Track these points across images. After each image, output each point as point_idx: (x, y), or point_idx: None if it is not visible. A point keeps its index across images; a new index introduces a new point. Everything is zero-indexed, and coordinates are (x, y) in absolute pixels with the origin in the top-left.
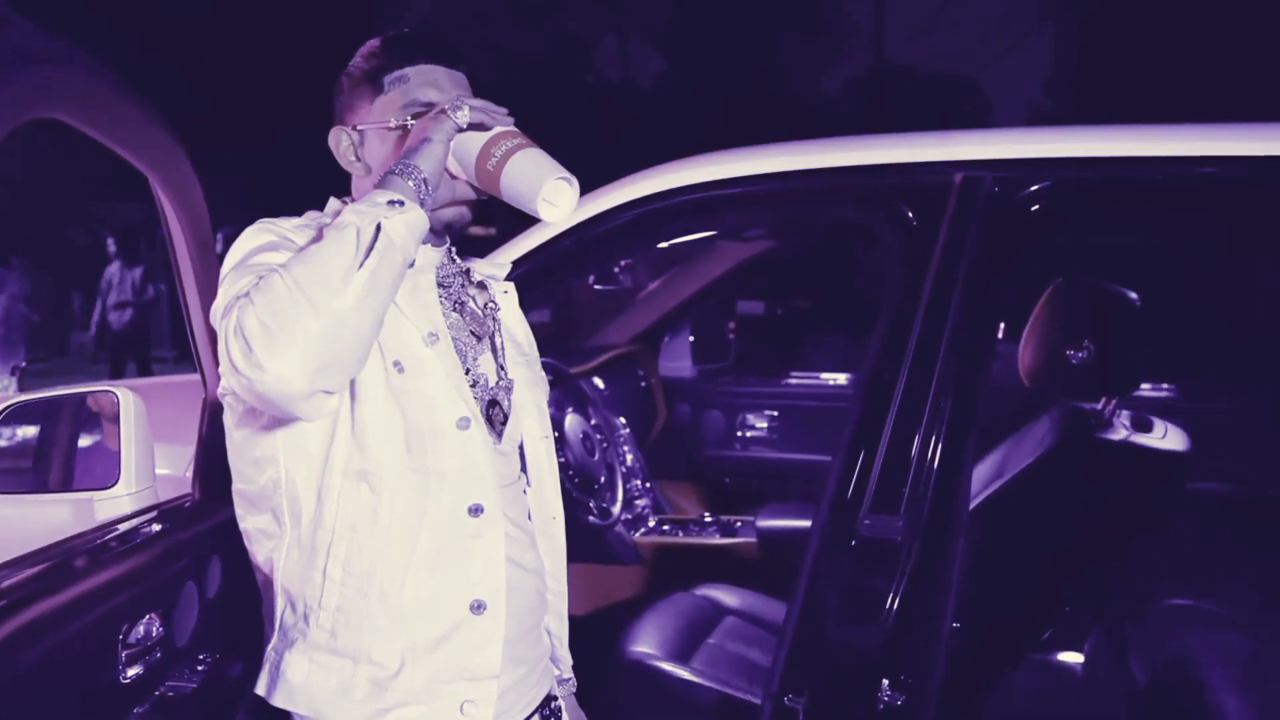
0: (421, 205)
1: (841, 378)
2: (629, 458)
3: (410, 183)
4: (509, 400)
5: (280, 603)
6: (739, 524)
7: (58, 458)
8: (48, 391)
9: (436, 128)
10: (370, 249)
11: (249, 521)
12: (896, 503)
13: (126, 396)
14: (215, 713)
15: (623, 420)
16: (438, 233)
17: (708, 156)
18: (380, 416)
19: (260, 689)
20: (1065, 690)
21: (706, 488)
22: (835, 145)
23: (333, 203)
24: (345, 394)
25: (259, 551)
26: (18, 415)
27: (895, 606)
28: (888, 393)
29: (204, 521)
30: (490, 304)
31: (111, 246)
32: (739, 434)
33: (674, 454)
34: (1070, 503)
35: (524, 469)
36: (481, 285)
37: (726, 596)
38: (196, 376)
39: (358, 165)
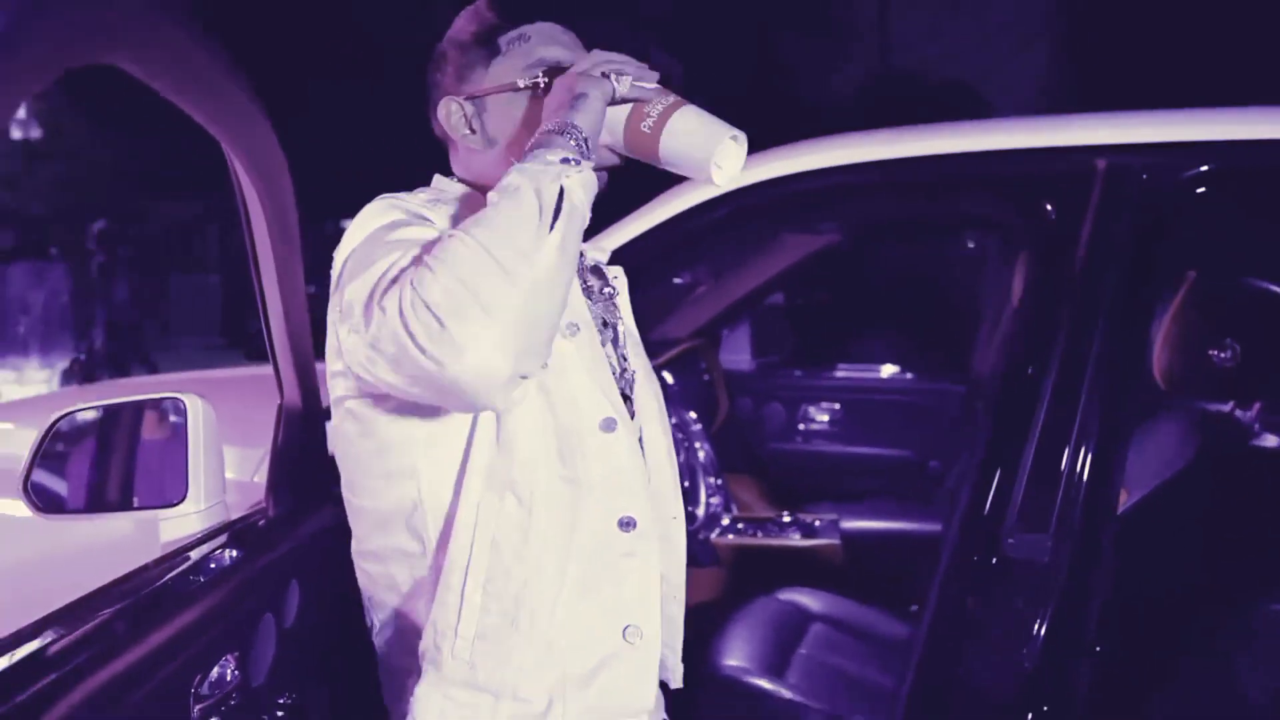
0: None
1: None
2: (701, 454)
3: (573, 141)
4: (634, 394)
5: (411, 632)
6: (818, 523)
7: (118, 471)
8: (105, 399)
9: (592, 85)
10: (557, 211)
11: (375, 542)
12: (1046, 521)
13: (195, 404)
14: None
15: (694, 415)
16: None
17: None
18: (530, 418)
19: None
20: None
21: (769, 482)
22: (951, 130)
23: (440, 180)
24: None
25: (389, 574)
26: (73, 426)
27: (1042, 634)
28: (1031, 400)
29: (281, 543)
30: (608, 289)
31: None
32: (800, 427)
33: (736, 448)
34: (1220, 518)
35: None
36: (596, 270)
37: (811, 601)
38: (251, 370)
39: (473, 137)
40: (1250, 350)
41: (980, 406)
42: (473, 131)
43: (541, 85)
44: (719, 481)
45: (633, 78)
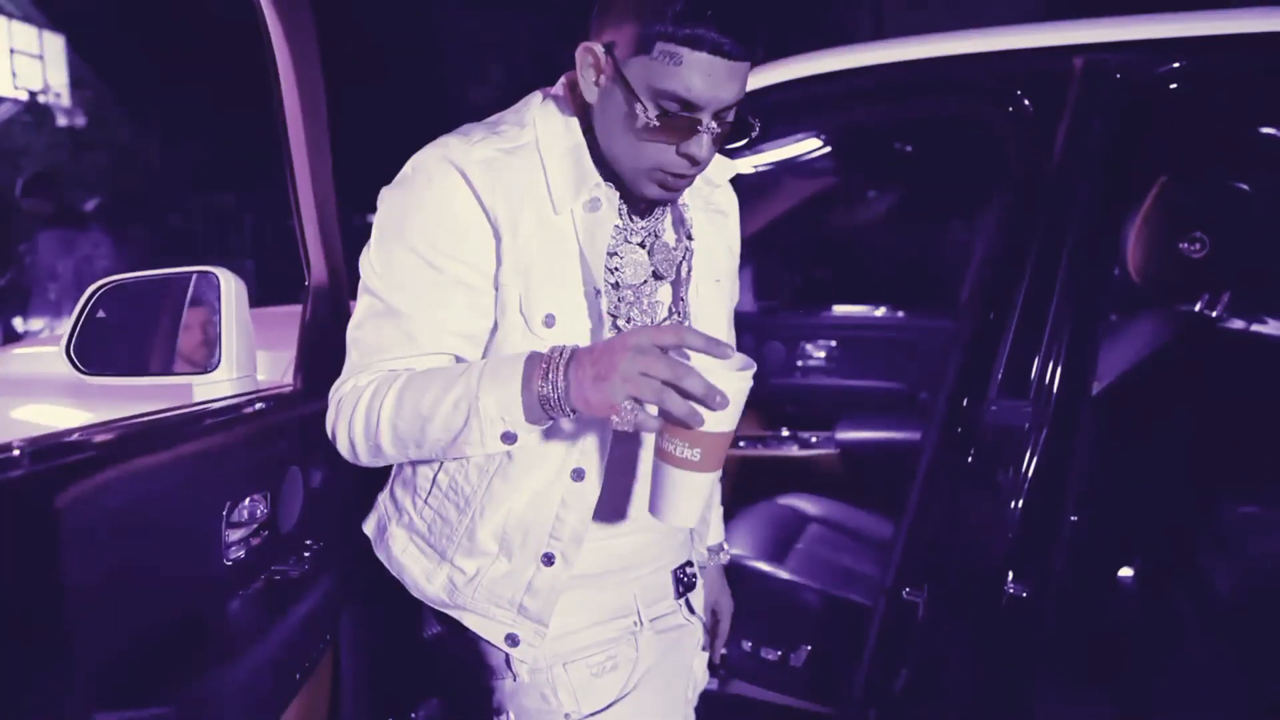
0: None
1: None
2: None
3: (543, 414)
4: None
5: (400, 484)
6: (814, 439)
7: (155, 341)
8: (142, 272)
9: (623, 415)
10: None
11: None
12: (1025, 389)
13: (227, 278)
14: (323, 598)
15: None
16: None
17: (794, 58)
18: None
19: (368, 530)
20: (1185, 590)
21: (771, 414)
22: (937, 37)
23: (534, 101)
24: (489, 354)
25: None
26: (113, 296)
27: (1022, 496)
28: (1013, 282)
29: (307, 408)
30: (688, 235)
31: None
32: (799, 363)
33: None
34: (1192, 394)
35: None
36: (679, 220)
37: (809, 506)
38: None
39: (592, 89)
40: (1218, 242)
41: (967, 289)
42: (596, 85)
43: (653, 125)
44: None
45: (664, 410)
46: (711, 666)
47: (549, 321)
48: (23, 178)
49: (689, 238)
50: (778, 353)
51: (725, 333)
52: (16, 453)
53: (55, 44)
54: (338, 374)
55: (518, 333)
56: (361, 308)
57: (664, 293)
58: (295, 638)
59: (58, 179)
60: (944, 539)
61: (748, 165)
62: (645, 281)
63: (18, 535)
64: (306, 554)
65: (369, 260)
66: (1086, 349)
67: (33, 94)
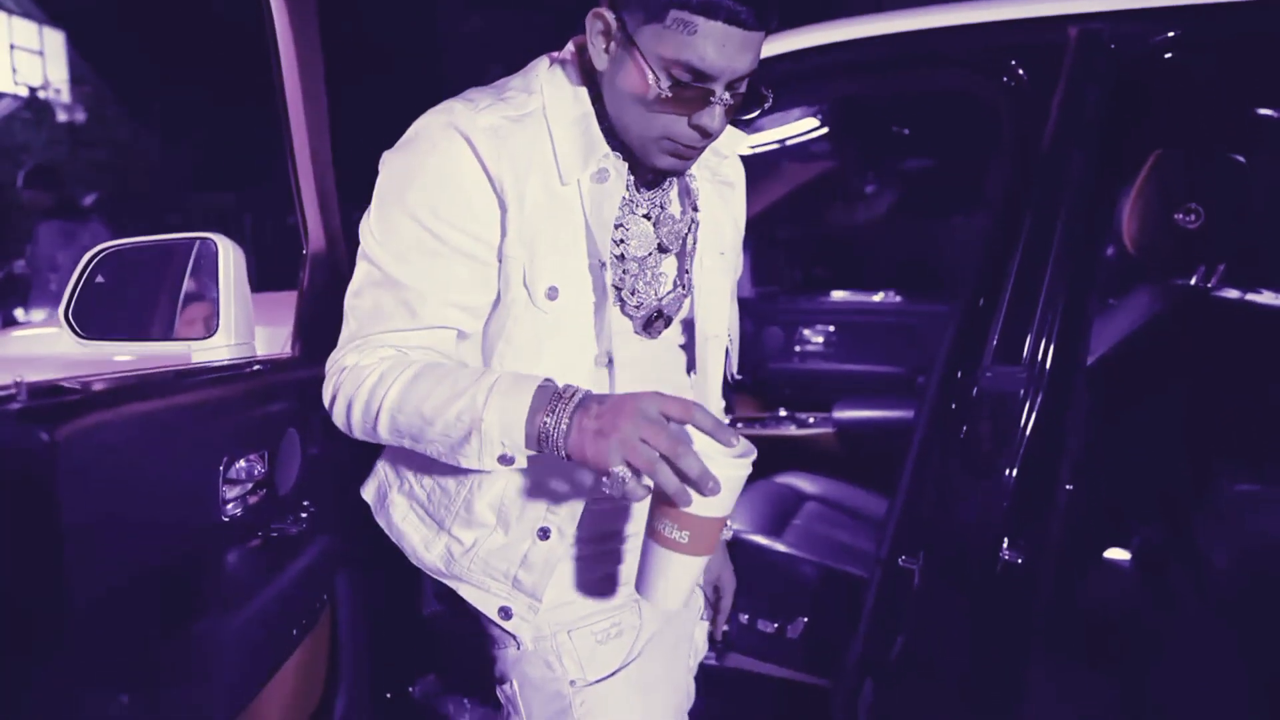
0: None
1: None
2: None
3: (545, 450)
4: (681, 305)
5: (400, 452)
6: (812, 419)
7: (153, 307)
8: (141, 238)
9: (613, 479)
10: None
11: None
12: (1019, 355)
13: (225, 245)
14: (320, 557)
15: None
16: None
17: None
18: (524, 354)
19: (367, 495)
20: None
21: (769, 398)
22: (933, 9)
23: (541, 66)
24: (490, 326)
25: None
26: (111, 262)
27: (1017, 462)
28: (1008, 250)
29: (306, 373)
30: (694, 207)
31: None
32: (797, 348)
33: (738, 367)
34: (1187, 362)
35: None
36: (686, 190)
37: (806, 484)
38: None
39: (601, 56)
40: (1214, 213)
41: (965, 260)
42: (606, 51)
43: (665, 95)
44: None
45: (655, 483)
46: (710, 640)
47: (552, 294)
48: (23, 170)
49: (695, 209)
50: (776, 338)
51: (728, 306)
52: (14, 389)
53: (55, 40)
54: (335, 342)
55: (520, 305)
56: (360, 275)
57: (669, 265)
58: (292, 592)
59: (58, 171)
60: (939, 507)
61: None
62: (650, 254)
63: (14, 465)
64: (304, 514)
65: (369, 227)
66: (1081, 317)
67: (33, 90)
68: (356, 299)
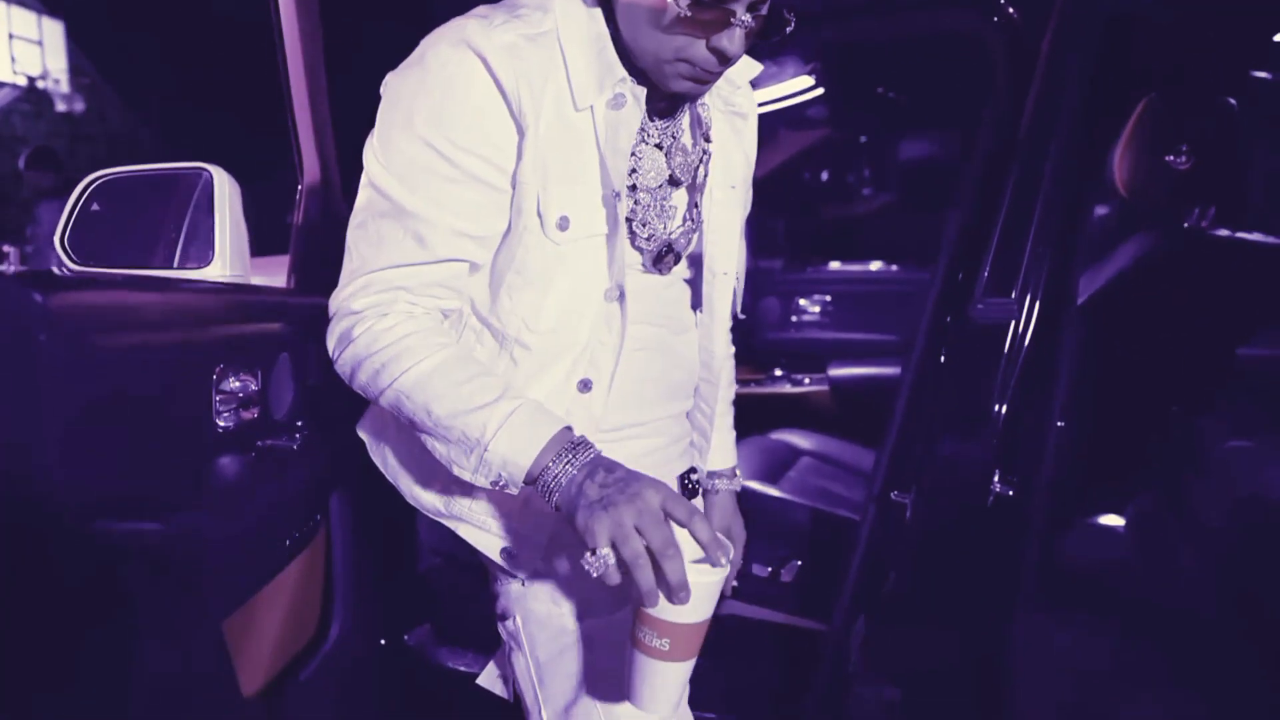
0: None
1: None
2: None
3: (539, 492)
4: (690, 240)
5: None
6: (807, 380)
7: (147, 234)
8: (135, 166)
9: (596, 557)
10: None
11: None
12: (1010, 286)
13: (220, 176)
14: (314, 474)
15: None
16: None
17: None
18: (534, 285)
19: (363, 433)
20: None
21: (766, 368)
22: None
23: None
24: (500, 257)
25: None
26: (108, 189)
27: (1008, 395)
28: (1000, 184)
29: (300, 302)
30: (705, 138)
31: None
32: (793, 318)
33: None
34: (1178, 301)
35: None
36: (697, 120)
37: (801, 440)
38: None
39: None
40: (1204, 154)
41: (956, 196)
42: None
43: (684, 15)
44: None
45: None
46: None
47: (563, 224)
48: (25, 152)
49: (706, 140)
50: (773, 309)
51: (738, 242)
52: (10, 267)
53: (54, 30)
54: (330, 275)
55: (532, 235)
56: (364, 204)
57: (679, 198)
58: (285, 502)
59: (58, 153)
60: (932, 440)
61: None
62: (661, 186)
63: (5, 328)
64: (297, 435)
65: (373, 152)
66: (1071, 254)
67: (31, 79)
68: (361, 230)
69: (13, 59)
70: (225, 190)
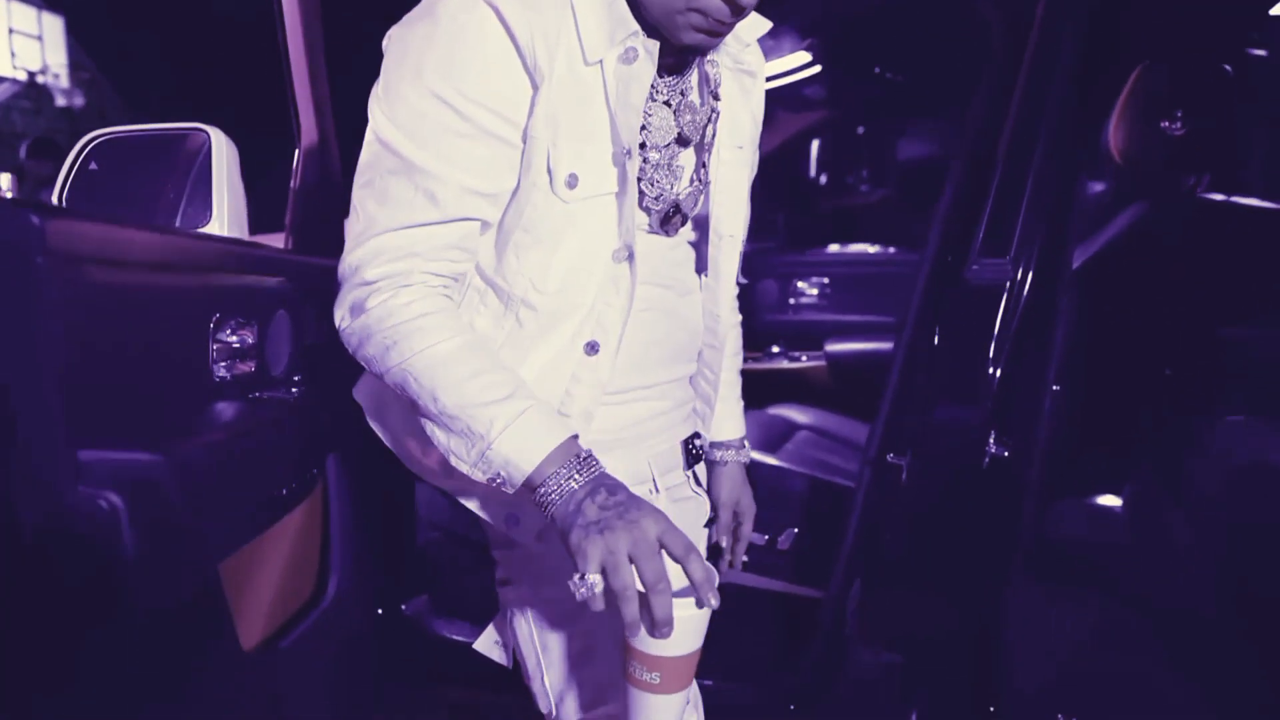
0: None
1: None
2: None
3: (535, 502)
4: (697, 201)
5: None
6: (804, 357)
7: (145, 194)
8: (133, 126)
9: (584, 582)
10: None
11: None
12: (1005, 248)
13: (218, 136)
14: (311, 428)
15: None
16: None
17: None
18: (543, 244)
19: (360, 397)
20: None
21: (762, 345)
22: None
23: None
24: (508, 215)
25: None
26: (106, 149)
27: (1004, 356)
28: (995, 146)
29: (297, 260)
30: (714, 95)
31: None
32: (791, 301)
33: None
34: (1173, 264)
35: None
36: (705, 79)
37: (798, 414)
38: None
39: None
40: (1199, 120)
41: (952, 161)
42: None
43: None
44: None
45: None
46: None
47: (571, 182)
48: (25, 142)
49: (715, 98)
50: (771, 291)
51: (745, 204)
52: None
53: (54, 25)
54: (329, 237)
55: (540, 192)
56: (369, 161)
57: (686, 158)
58: (282, 448)
59: (58, 144)
60: (928, 402)
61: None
62: (669, 144)
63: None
64: (294, 390)
65: (379, 106)
66: (1066, 216)
67: (31, 74)
68: (367, 189)
69: (12, 54)
70: (224, 151)
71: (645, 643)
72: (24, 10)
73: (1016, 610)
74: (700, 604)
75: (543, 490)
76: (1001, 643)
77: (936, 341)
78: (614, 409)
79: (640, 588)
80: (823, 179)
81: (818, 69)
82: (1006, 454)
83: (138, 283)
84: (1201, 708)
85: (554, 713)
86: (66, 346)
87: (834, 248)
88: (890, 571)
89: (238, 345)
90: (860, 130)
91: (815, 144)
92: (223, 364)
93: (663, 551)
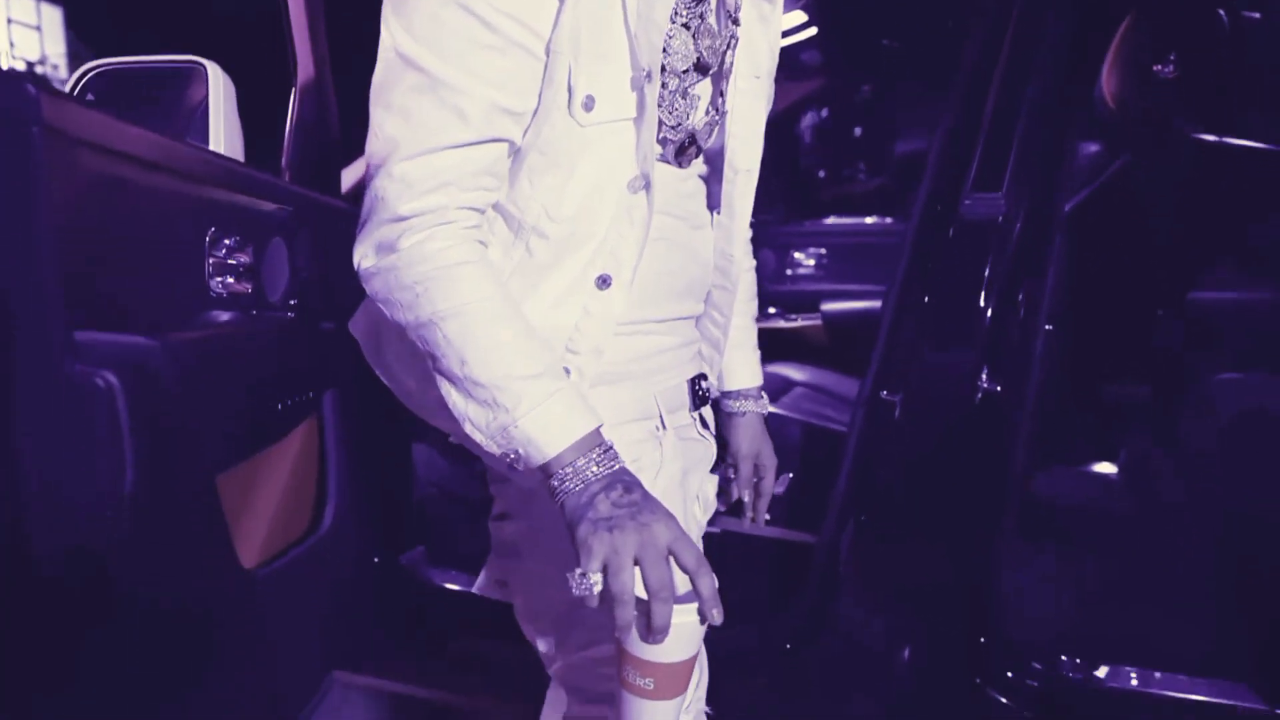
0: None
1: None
2: None
3: (550, 486)
4: (713, 132)
5: None
6: (799, 318)
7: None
8: (130, 58)
9: (585, 580)
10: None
11: None
12: (999, 182)
13: (215, 70)
14: (308, 351)
15: None
16: None
17: None
18: (558, 168)
19: (356, 331)
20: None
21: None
22: None
23: None
24: (525, 136)
25: None
26: (104, 80)
27: (996, 292)
28: (987, 84)
29: (293, 190)
30: (733, 20)
31: None
32: (789, 271)
33: None
34: (1166, 203)
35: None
36: (723, 1)
37: (795, 372)
38: None
39: None
40: (1190, 63)
41: (949, 97)
42: None
43: None
44: None
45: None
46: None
47: (588, 104)
48: None
49: (734, 24)
50: (769, 261)
51: (760, 137)
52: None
53: (53, 15)
54: (326, 170)
55: (559, 111)
56: (386, 79)
57: (703, 88)
58: (280, 363)
59: None
60: (921, 338)
61: None
62: (687, 71)
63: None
64: (290, 314)
65: (394, 15)
66: (1059, 154)
67: (30, 64)
68: (386, 110)
69: (11, 44)
70: (220, 84)
71: (639, 647)
72: (23, 1)
73: (1007, 556)
74: (704, 619)
75: (559, 475)
76: (992, 583)
77: (930, 276)
78: (623, 340)
79: (641, 593)
80: (821, 182)
81: (814, 31)
82: (999, 389)
83: (134, 178)
84: (1198, 645)
85: (552, 652)
86: (61, 224)
87: (832, 220)
88: (884, 512)
89: (233, 264)
90: (857, 132)
91: (816, 157)
92: (218, 279)
93: (670, 559)
